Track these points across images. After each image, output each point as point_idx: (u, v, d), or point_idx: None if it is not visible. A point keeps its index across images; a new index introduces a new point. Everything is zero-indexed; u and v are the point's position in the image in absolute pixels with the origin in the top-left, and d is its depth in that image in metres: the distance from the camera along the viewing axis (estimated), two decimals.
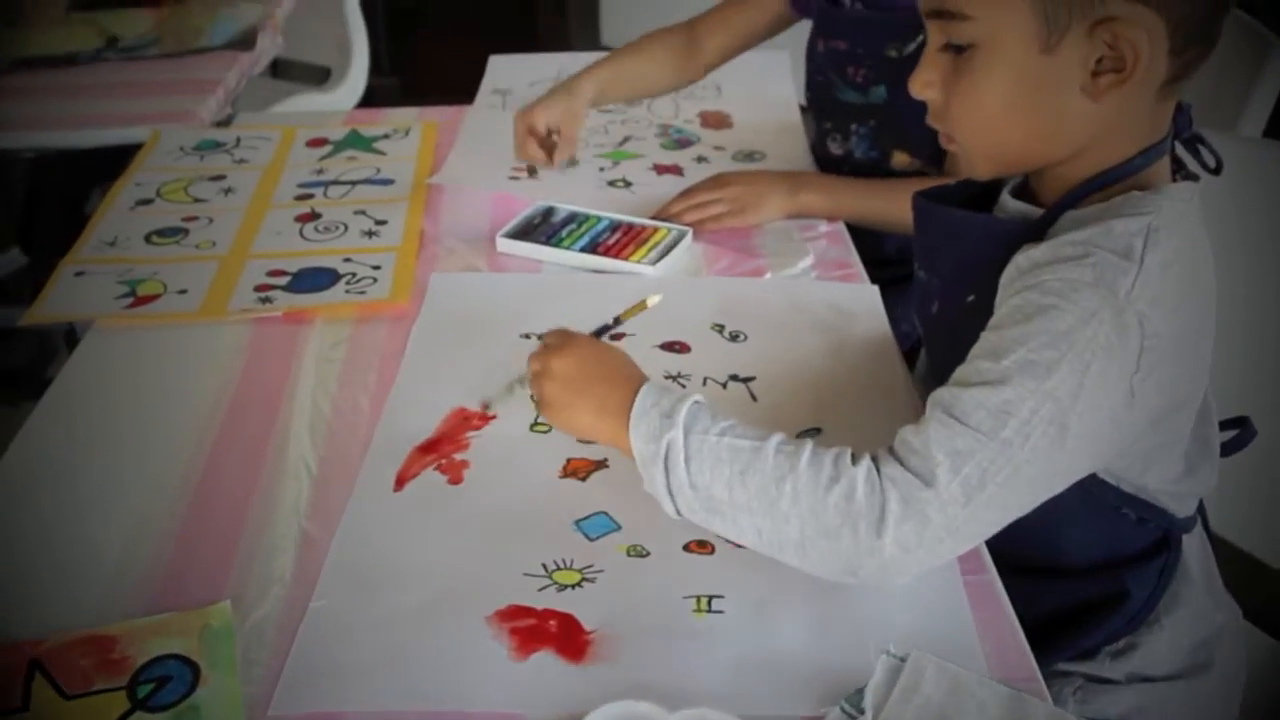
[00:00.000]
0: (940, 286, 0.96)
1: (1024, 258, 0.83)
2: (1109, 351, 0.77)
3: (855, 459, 0.78)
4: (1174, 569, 0.94)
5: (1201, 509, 0.98)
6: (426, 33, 4.74)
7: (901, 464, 0.77)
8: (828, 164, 1.49)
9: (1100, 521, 0.91)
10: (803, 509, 0.77)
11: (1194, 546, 0.96)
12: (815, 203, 1.35)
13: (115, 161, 1.66)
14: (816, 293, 1.22)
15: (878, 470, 0.77)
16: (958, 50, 0.84)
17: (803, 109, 1.62)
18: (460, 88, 1.83)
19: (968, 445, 0.75)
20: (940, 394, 0.79)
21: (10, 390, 2.61)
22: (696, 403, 0.83)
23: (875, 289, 1.22)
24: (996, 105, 0.83)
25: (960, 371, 0.80)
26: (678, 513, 0.82)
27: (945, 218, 0.94)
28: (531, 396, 0.95)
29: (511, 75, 1.82)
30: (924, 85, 0.87)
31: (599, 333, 1.01)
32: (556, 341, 0.93)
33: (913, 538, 0.75)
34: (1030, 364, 0.76)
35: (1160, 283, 0.79)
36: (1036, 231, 0.86)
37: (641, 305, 1.03)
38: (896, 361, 1.10)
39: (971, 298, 0.90)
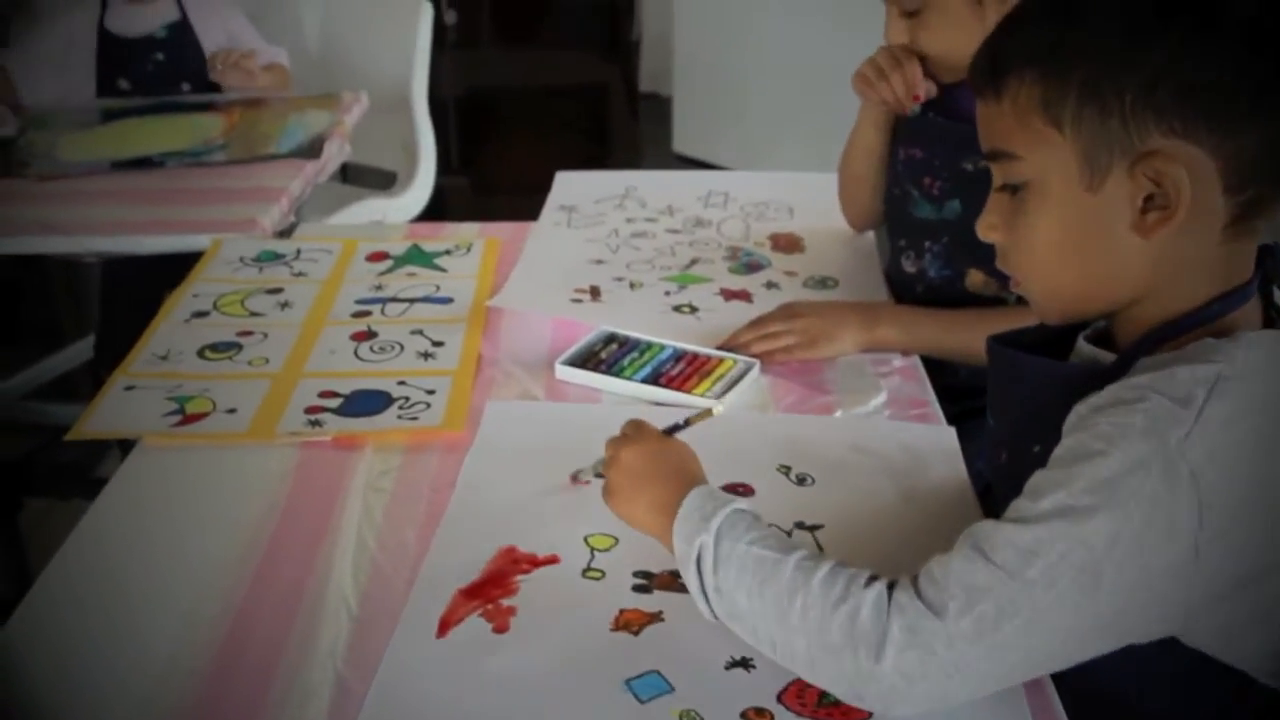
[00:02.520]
0: (1008, 435, 0.95)
1: (1084, 404, 0.82)
2: (1155, 504, 0.75)
3: (870, 581, 0.79)
4: None
5: None
6: (498, 132, 4.85)
7: (917, 592, 0.77)
8: (901, 283, 1.47)
9: (1194, 693, 0.87)
10: (810, 625, 0.79)
11: None
12: (890, 337, 1.33)
13: (188, 263, 1.69)
14: (889, 433, 1.20)
15: (889, 595, 0.78)
16: (1014, 190, 0.86)
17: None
18: (530, 186, 1.85)
19: (987, 581, 0.75)
20: (975, 528, 0.79)
21: (60, 486, 2.66)
22: (738, 510, 0.87)
23: (952, 431, 1.19)
24: (1048, 245, 0.85)
25: (1012, 505, 0.80)
26: (714, 615, 0.86)
27: (1014, 362, 0.93)
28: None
29: (578, 191, 1.84)
30: (988, 228, 0.89)
31: (669, 431, 1.04)
32: (630, 432, 1.00)
33: (916, 668, 0.75)
34: (1067, 508, 0.76)
35: (1222, 437, 0.76)
36: (1108, 379, 0.84)
37: (707, 413, 1.07)
38: (974, 511, 1.07)
39: (1038, 448, 0.88)
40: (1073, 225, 0.83)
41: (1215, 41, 0.78)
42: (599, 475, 1.04)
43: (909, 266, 1.46)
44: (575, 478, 1.10)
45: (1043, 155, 0.82)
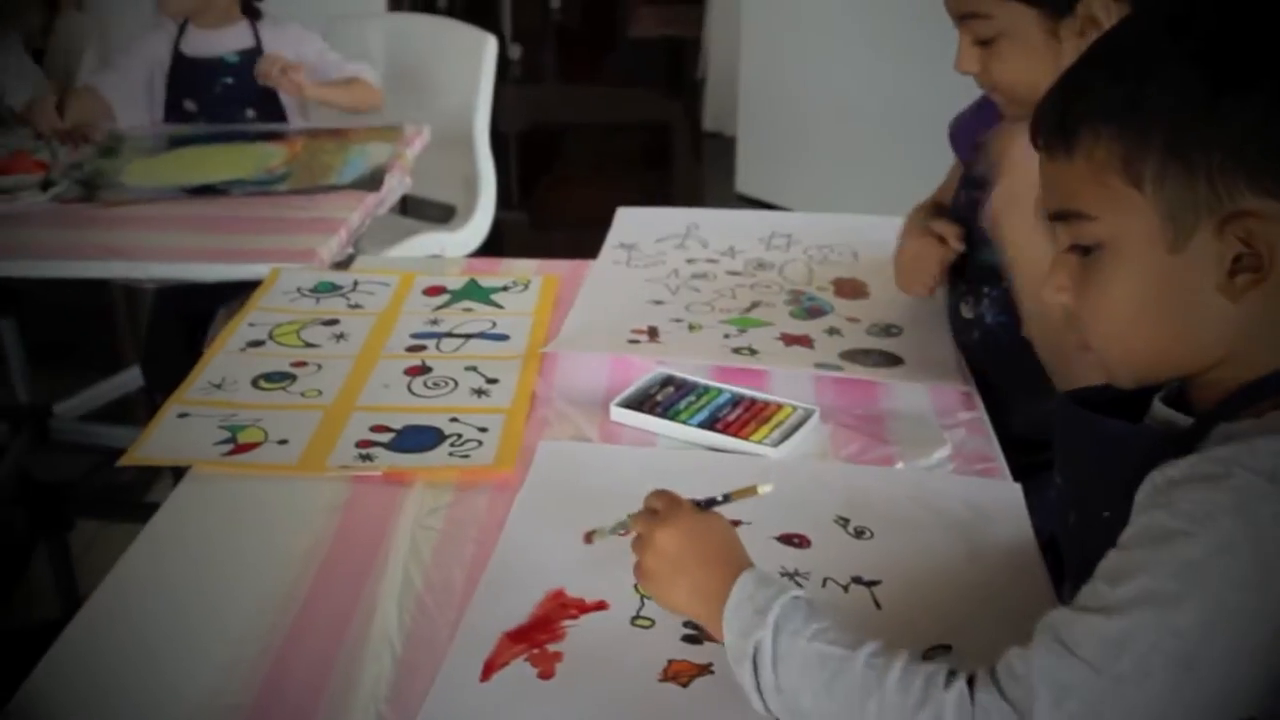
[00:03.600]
0: (1077, 496, 0.92)
1: (1160, 475, 0.78)
2: (1246, 588, 0.71)
3: (950, 681, 0.75)
4: None
5: None
6: (558, 169, 4.89)
7: (1000, 691, 0.74)
8: (956, 329, 1.46)
9: None
10: None
11: None
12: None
13: (236, 288, 1.72)
14: (952, 488, 1.18)
15: (971, 696, 0.74)
16: (1085, 251, 0.83)
17: None
18: (589, 223, 1.85)
19: (1075, 679, 0.72)
20: (1053, 617, 0.76)
21: (112, 508, 2.70)
22: (794, 598, 0.83)
23: (1017, 488, 1.17)
24: (1126, 309, 0.82)
25: (1080, 594, 0.77)
26: (767, 710, 0.82)
27: (1084, 422, 0.89)
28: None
29: (638, 228, 1.84)
30: (1057, 289, 0.86)
31: (705, 505, 0.98)
32: (662, 509, 0.95)
33: None
34: (1152, 594, 0.72)
35: None
36: (1183, 444, 0.81)
37: (751, 490, 1.01)
38: (1040, 573, 1.04)
39: (1107, 513, 0.86)
40: (1154, 287, 0.80)
41: None
42: (622, 533, 1.00)
43: (966, 312, 1.43)
44: (589, 537, 1.04)
45: (1121, 215, 0.79)
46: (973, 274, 1.43)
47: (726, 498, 1.01)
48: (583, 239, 1.84)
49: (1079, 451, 0.92)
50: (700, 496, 0.99)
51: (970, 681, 0.75)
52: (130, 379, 2.78)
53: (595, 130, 5.38)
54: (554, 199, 4.48)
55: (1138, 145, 0.78)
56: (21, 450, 2.69)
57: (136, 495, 2.77)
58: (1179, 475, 0.77)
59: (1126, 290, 0.81)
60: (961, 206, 1.45)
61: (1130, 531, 0.77)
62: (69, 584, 2.43)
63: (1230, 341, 0.80)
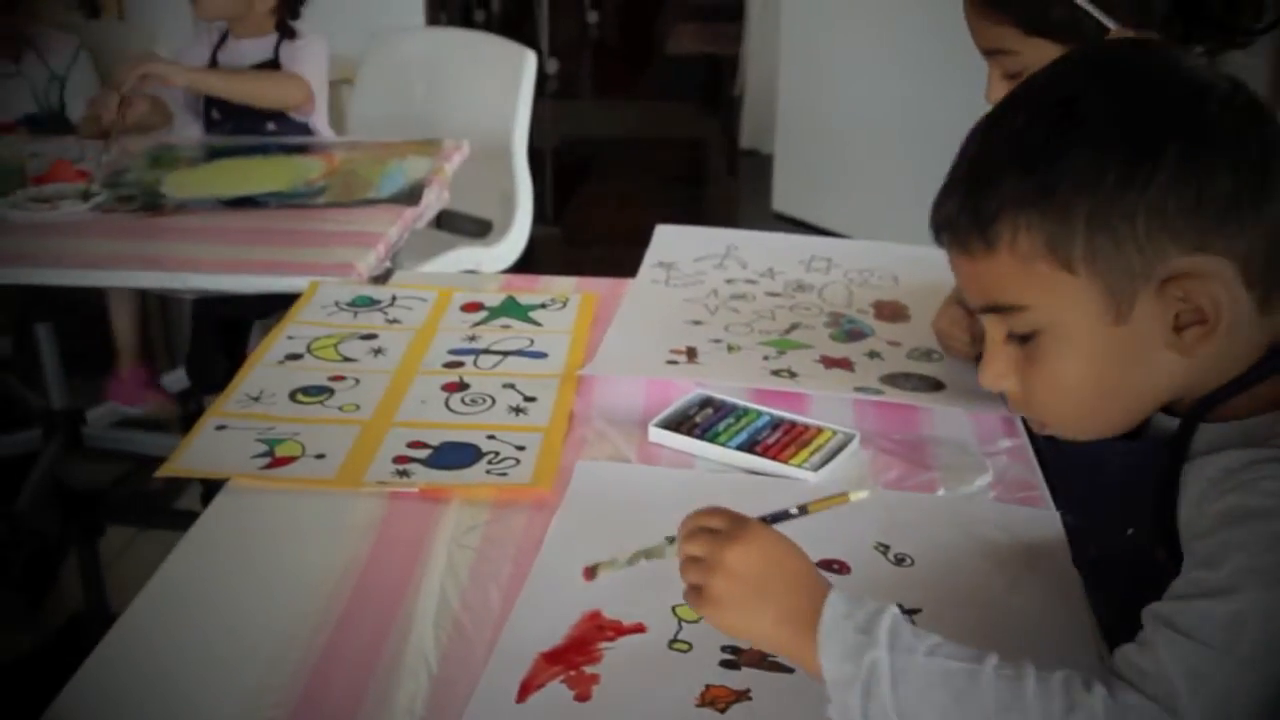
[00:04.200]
0: (1093, 528, 0.93)
1: (1212, 466, 0.81)
2: None
3: (1089, 684, 0.75)
4: None
5: None
6: (593, 184, 4.90)
7: (1137, 689, 0.73)
8: None
9: None
10: None
11: None
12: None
13: (273, 298, 1.73)
14: (993, 516, 1.17)
15: (1113, 697, 0.73)
16: (1022, 339, 0.84)
17: None
18: (623, 240, 1.86)
19: (1206, 665, 0.72)
20: (1159, 609, 0.76)
21: (142, 515, 2.73)
22: (895, 614, 0.80)
23: (1058, 517, 1.16)
24: (1080, 387, 0.83)
25: (1176, 585, 0.77)
26: None
27: (1081, 455, 0.91)
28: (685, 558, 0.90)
29: (677, 247, 1.84)
30: (996, 378, 0.87)
31: (773, 520, 0.94)
32: (728, 527, 0.88)
33: None
34: (1253, 570, 0.73)
35: None
36: (1177, 447, 0.84)
37: (842, 498, 0.97)
38: (1081, 604, 1.03)
39: (1131, 530, 0.87)
40: (1104, 360, 0.82)
41: (1210, 150, 0.78)
42: (645, 562, 0.95)
43: None
44: (591, 572, 0.98)
45: (1056, 300, 0.81)
46: None
47: (803, 510, 0.97)
48: (617, 256, 1.84)
49: (1081, 484, 0.94)
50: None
51: (1106, 686, 0.75)
52: (176, 379, 2.81)
53: (631, 146, 5.40)
54: (588, 215, 4.49)
55: (1061, 229, 0.79)
56: (54, 456, 2.73)
57: (166, 503, 2.80)
58: (1237, 464, 0.79)
59: (1076, 368, 0.83)
60: None
61: (1207, 523, 0.78)
62: (99, 591, 2.45)
63: (1189, 382, 0.83)
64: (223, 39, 2.48)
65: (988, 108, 1.40)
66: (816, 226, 3.86)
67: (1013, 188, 0.81)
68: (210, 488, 1.25)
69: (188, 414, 2.97)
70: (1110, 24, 1.24)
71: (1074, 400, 0.84)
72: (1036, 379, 0.84)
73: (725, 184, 5.07)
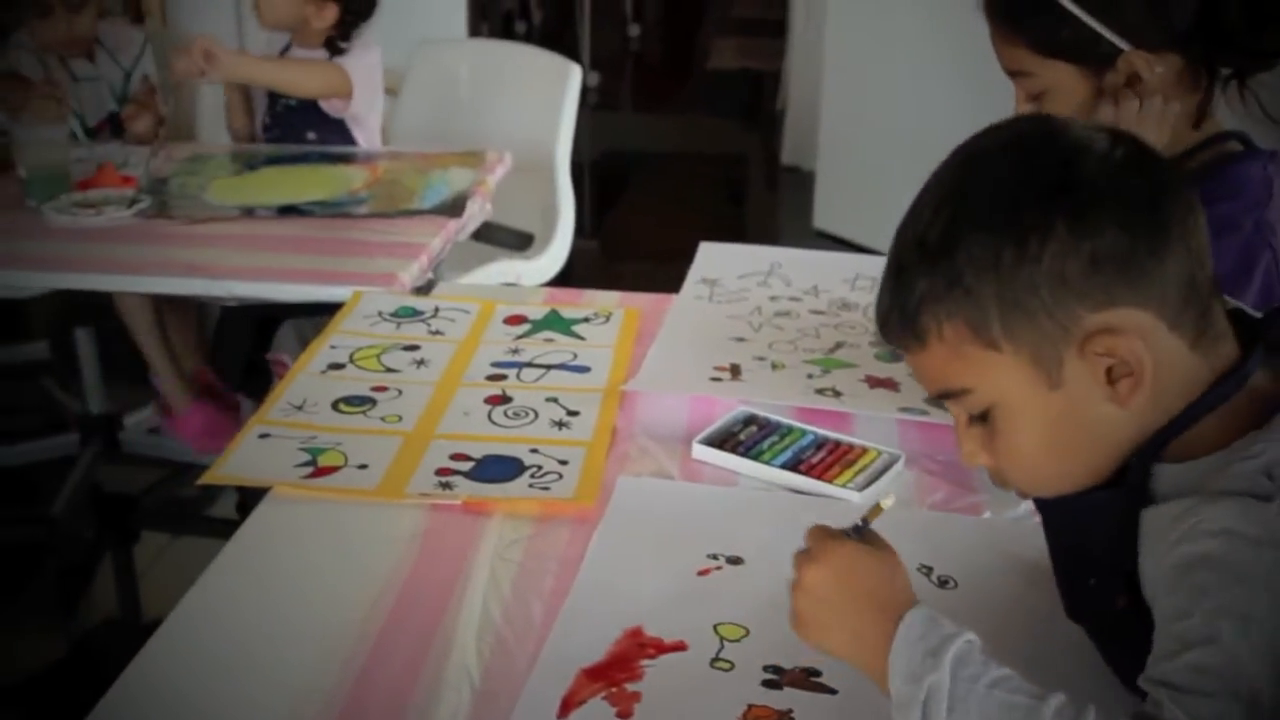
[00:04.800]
0: (1065, 579, 0.96)
1: (1162, 518, 0.82)
2: None
3: None
4: None
5: None
6: (631, 198, 4.92)
7: None
8: None
9: None
10: None
11: None
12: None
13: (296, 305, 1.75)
14: (1039, 541, 1.16)
15: None
16: (981, 418, 0.88)
17: None
18: (661, 254, 1.87)
19: (1216, 712, 0.73)
20: (1152, 674, 0.77)
21: (174, 521, 2.76)
22: (969, 641, 0.81)
23: None
24: (1037, 452, 0.87)
25: (1159, 644, 0.79)
26: None
27: (1051, 505, 0.93)
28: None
29: (721, 264, 1.85)
30: (970, 456, 0.91)
31: (857, 532, 0.94)
32: (812, 548, 0.91)
33: None
34: (1225, 610, 0.75)
35: None
36: (1130, 491, 0.86)
37: (877, 510, 0.97)
38: None
39: (1093, 580, 0.91)
40: (1053, 425, 0.85)
41: (1095, 210, 0.81)
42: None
43: None
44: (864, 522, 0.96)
45: (993, 378, 0.84)
46: None
47: (865, 522, 0.97)
48: (655, 271, 1.85)
49: (1055, 537, 0.96)
50: (786, 548, 0.97)
51: None
52: None
53: (670, 160, 5.41)
54: (626, 229, 4.51)
55: (976, 313, 0.83)
56: (91, 461, 2.76)
57: (199, 509, 2.83)
58: (1179, 511, 0.81)
59: (1030, 437, 0.86)
60: None
61: (1167, 577, 0.80)
62: (132, 597, 2.48)
63: (1137, 431, 0.85)
64: (285, 51, 2.52)
65: None
66: (858, 244, 3.86)
67: (926, 283, 0.85)
68: (246, 495, 1.26)
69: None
70: (1124, 45, 1.24)
71: (1036, 465, 0.88)
72: (1001, 451, 0.88)
73: (765, 200, 5.08)
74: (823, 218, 4.26)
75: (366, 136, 2.52)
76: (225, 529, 1.21)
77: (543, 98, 2.72)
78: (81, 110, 2.54)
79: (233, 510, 2.73)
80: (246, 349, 2.52)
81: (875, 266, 1.81)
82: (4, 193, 2.18)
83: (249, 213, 2.07)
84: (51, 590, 2.50)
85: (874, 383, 1.47)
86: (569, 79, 2.68)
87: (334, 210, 2.08)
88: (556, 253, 2.65)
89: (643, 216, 4.68)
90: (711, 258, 1.88)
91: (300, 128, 2.48)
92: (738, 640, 1.02)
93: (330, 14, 2.41)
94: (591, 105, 5.90)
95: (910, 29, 3.81)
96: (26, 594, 2.47)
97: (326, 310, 2.37)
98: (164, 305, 2.64)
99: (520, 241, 2.66)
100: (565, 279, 2.65)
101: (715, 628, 1.03)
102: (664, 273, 1.81)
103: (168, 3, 3.79)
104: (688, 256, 1.85)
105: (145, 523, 2.73)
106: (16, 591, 2.47)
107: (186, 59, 2.22)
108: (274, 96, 2.50)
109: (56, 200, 2.08)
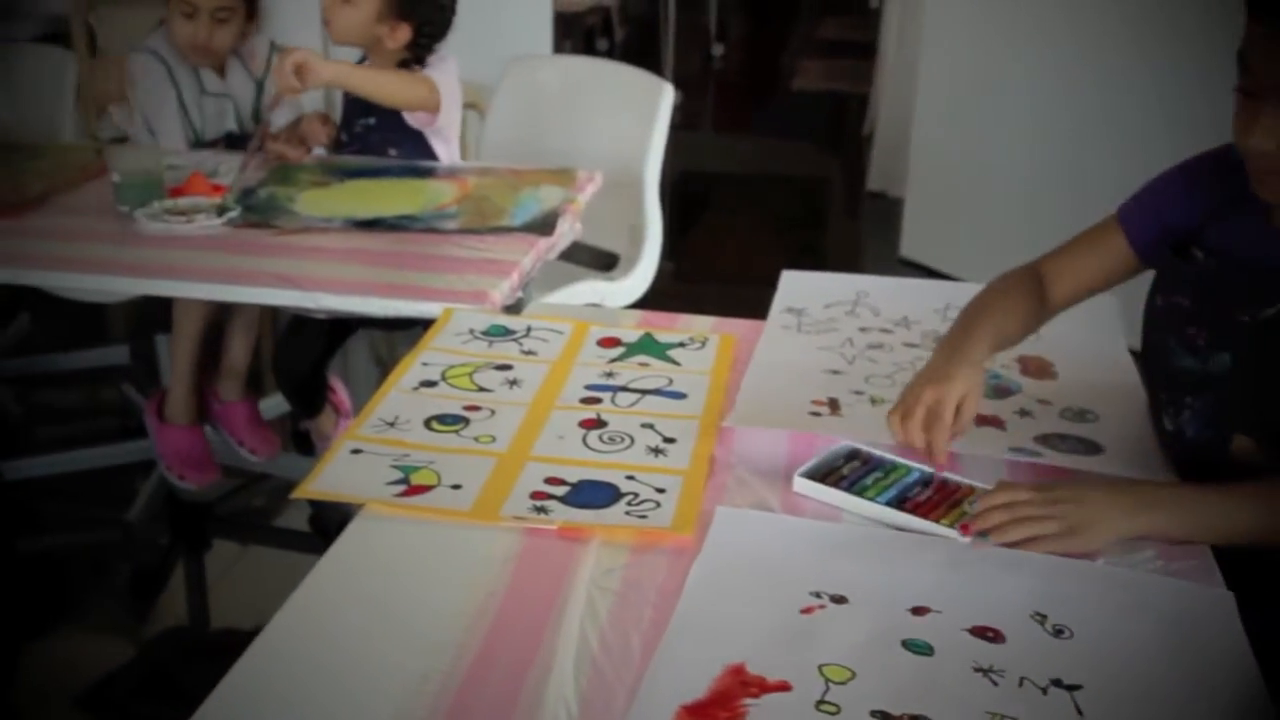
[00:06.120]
0: None
1: None
2: None
3: None
4: None
5: None
6: (709, 219, 4.91)
7: None
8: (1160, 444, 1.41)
9: None
10: None
11: None
12: (1166, 525, 1.23)
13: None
14: (1158, 590, 1.14)
15: None
16: None
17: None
18: (738, 278, 1.86)
19: None
20: None
21: (243, 531, 2.79)
22: None
23: (1230, 597, 1.13)
24: None
25: None
26: None
27: None
28: None
29: (805, 293, 1.84)
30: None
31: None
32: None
33: None
34: None
35: None
36: None
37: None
38: (1258, 689, 1.01)
39: None
40: None
41: None
42: None
43: (1166, 423, 1.38)
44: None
45: None
46: (1173, 382, 1.36)
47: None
48: (734, 293, 1.85)
49: None
50: (895, 586, 0.98)
51: None
52: (274, 404, 2.87)
53: (749, 182, 5.41)
54: (704, 251, 4.50)
55: None
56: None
57: (269, 519, 2.86)
58: None
59: None
60: (1160, 311, 1.38)
61: None
62: (202, 605, 2.50)
63: None
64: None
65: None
66: (946, 274, 3.82)
67: None
68: (318, 508, 1.26)
69: (297, 433, 3.04)
70: None
71: None
72: None
73: (847, 226, 5.05)
74: (910, 246, 4.22)
75: (448, 151, 2.53)
76: (296, 540, 1.22)
77: (633, 116, 2.71)
78: (202, 125, 2.58)
79: (303, 522, 2.76)
80: (313, 358, 2.55)
81: (964, 296, 1.81)
82: (97, 197, 2.22)
83: (338, 225, 2.09)
84: (124, 595, 2.54)
85: (978, 420, 1.45)
86: (661, 98, 2.68)
87: (424, 225, 2.09)
88: (643, 274, 2.64)
89: (721, 239, 4.68)
90: (795, 286, 1.87)
91: (380, 146, 2.49)
92: (844, 683, 1.00)
93: (403, 34, 2.42)
94: (672, 124, 5.92)
95: (1007, 56, 3.78)
96: (99, 597, 2.51)
97: (399, 325, 2.41)
98: (231, 308, 2.67)
99: (604, 262, 2.67)
100: (641, 301, 2.64)
101: (820, 668, 1.02)
102: (744, 296, 1.80)
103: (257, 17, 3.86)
104: (767, 280, 1.84)
105: (217, 531, 2.77)
106: (89, 594, 2.51)
107: (279, 75, 2.25)
108: (351, 116, 2.52)
109: (148, 207, 2.12)
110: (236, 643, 1.05)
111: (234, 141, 2.58)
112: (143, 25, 2.68)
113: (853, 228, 5.00)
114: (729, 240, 4.65)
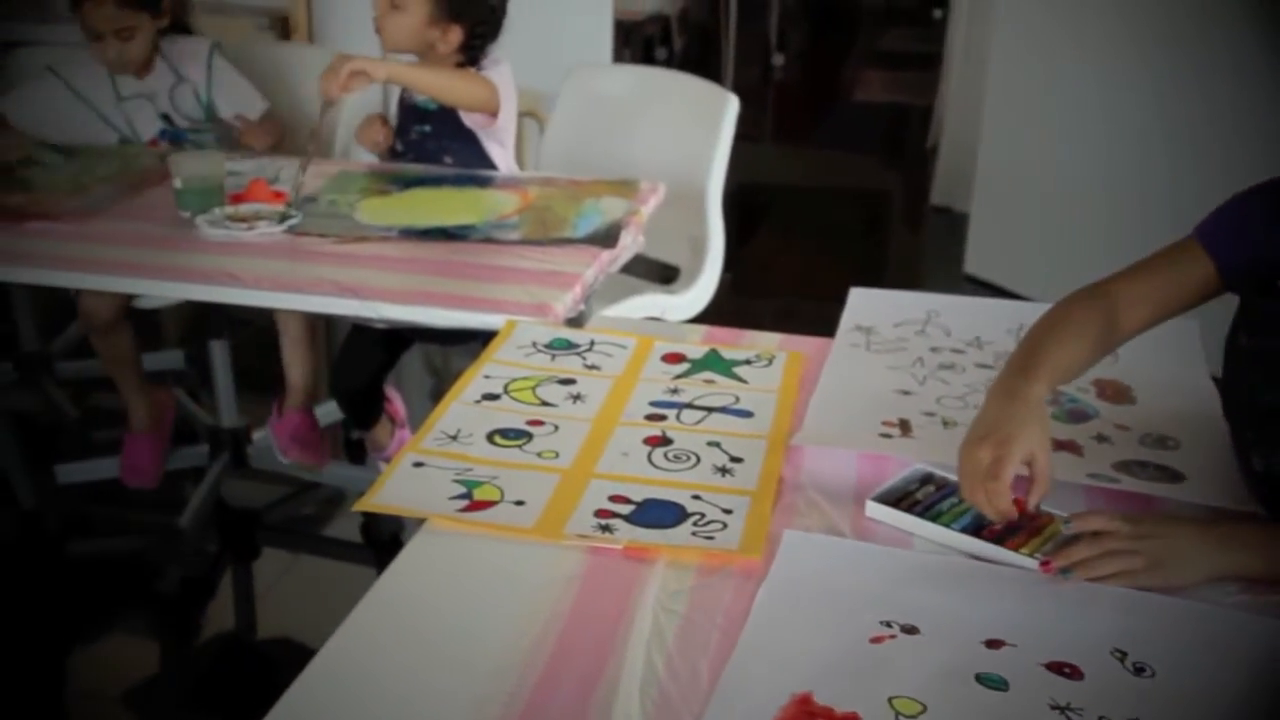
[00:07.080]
0: None
1: None
2: None
3: None
4: None
5: None
6: (767, 232, 4.90)
7: None
8: (1247, 485, 1.37)
9: None
10: None
11: None
12: (1258, 564, 1.20)
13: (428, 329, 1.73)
14: (1244, 628, 1.12)
15: None
16: None
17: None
18: (798, 293, 1.85)
19: None
20: None
21: (294, 540, 2.81)
22: None
23: None
24: None
25: None
26: None
27: None
28: None
29: (874, 311, 1.83)
30: None
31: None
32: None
33: None
34: None
35: None
36: None
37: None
38: None
39: None
40: None
41: None
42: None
43: (1256, 464, 1.34)
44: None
45: None
46: (1257, 420, 1.31)
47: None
48: (794, 308, 1.83)
49: None
50: (973, 618, 0.97)
51: None
52: (327, 412, 2.89)
53: (809, 195, 5.39)
54: (763, 264, 4.49)
55: None
56: (219, 474, 2.83)
57: (317, 528, 2.89)
58: None
59: None
60: (1243, 352, 1.33)
61: None
62: (250, 613, 2.52)
63: None
64: None
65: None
66: (1012, 291, 3.79)
67: None
68: (370, 519, 1.27)
69: (349, 443, 3.06)
70: None
71: None
72: None
73: (909, 241, 5.02)
74: (974, 262, 4.18)
75: (504, 155, 2.54)
76: (345, 551, 1.22)
77: (695, 126, 2.71)
78: (129, 127, 2.68)
79: (353, 532, 2.78)
80: (373, 369, 2.56)
81: (1037, 316, 1.78)
82: (159, 202, 2.24)
83: (399, 234, 2.10)
84: (173, 601, 2.57)
85: (1055, 445, 1.43)
86: (725, 109, 2.67)
87: (483, 235, 2.09)
88: (704, 288, 2.63)
89: (780, 252, 4.66)
90: (864, 304, 1.86)
91: (436, 154, 2.51)
92: (915, 716, 0.99)
93: (455, 36, 2.43)
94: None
95: (1078, 68, 3.74)
96: (148, 603, 2.54)
97: (458, 337, 2.41)
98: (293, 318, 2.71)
99: (663, 274, 2.66)
100: (700, 314, 2.64)
101: (890, 701, 1.01)
102: (804, 311, 1.80)
103: (314, 23, 3.91)
104: (827, 295, 1.83)
105: (267, 539, 2.79)
106: (138, 599, 2.54)
107: (333, 79, 2.26)
108: (406, 123, 2.53)
109: (209, 213, 2.14)
110: (284, 653, 1.05)
111: (170, 135, 2.70)
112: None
113: (915, 243, 4.98)
114: (788, 254, 4.64)
